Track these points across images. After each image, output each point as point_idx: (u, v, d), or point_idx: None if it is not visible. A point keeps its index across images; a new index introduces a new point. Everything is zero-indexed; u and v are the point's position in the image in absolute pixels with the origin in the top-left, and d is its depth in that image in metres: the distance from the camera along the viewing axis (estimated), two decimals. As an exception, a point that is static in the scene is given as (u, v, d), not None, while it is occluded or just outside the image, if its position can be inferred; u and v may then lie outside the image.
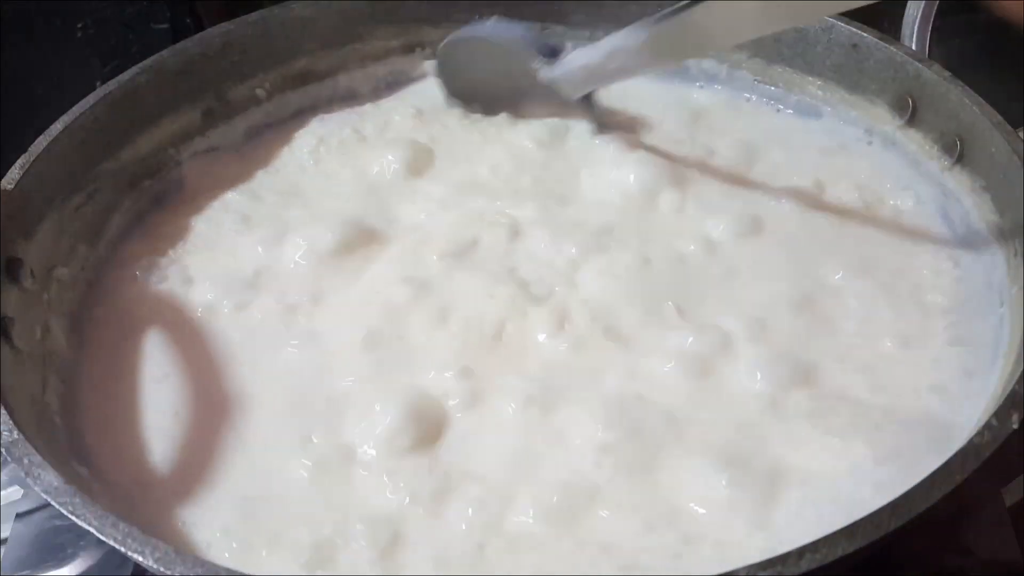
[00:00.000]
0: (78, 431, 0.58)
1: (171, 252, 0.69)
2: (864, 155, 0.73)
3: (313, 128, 0.79)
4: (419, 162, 0.75)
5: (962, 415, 0.55)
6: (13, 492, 0.69)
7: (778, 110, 0.78)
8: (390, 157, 0.74)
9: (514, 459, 0.54)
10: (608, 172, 0.72)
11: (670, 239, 0.66)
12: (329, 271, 0.67)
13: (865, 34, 0.72)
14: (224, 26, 0.77)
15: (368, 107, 0.81)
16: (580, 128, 0.76)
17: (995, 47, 0.88)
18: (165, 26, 0.89)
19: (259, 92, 0.79)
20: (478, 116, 0.78)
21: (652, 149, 0.74)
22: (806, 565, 0.41)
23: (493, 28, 0.76)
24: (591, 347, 0.59)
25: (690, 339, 0.59)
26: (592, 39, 0.82)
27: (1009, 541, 0.62)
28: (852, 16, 0.73)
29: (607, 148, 0.74)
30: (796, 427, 0.54)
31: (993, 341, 0.58)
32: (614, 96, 0.78)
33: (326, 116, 0.81)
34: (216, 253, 0.69)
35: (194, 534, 0.52)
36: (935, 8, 0.81)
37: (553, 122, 0.76)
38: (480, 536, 0.51)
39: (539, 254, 0.65)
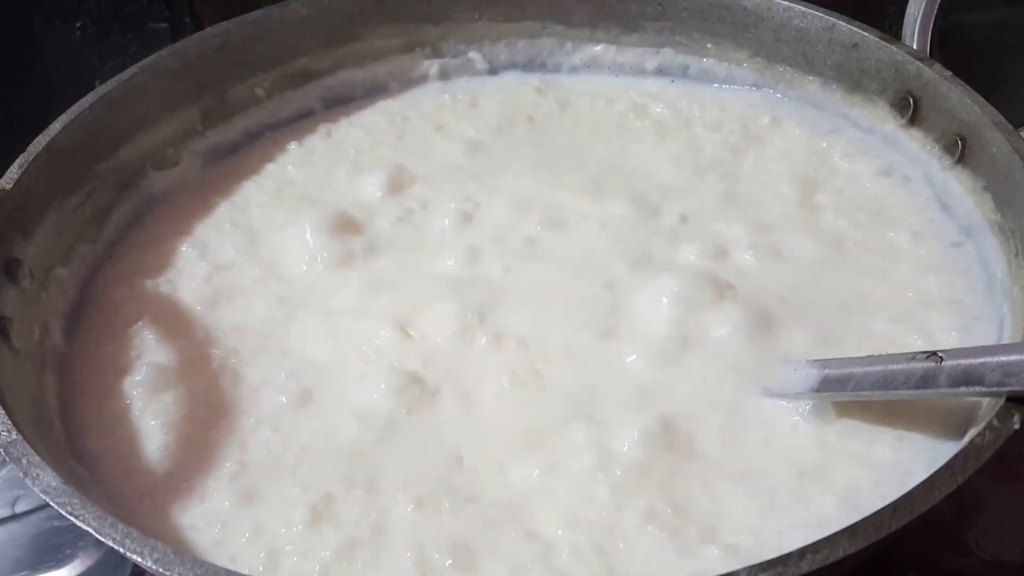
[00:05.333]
0: (76, 431, 0.58)
1: (169, 252, 0.69)
2: (864, 155, 0.73)
3: (312, 131, 0.80)
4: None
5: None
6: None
7: (778, 108, 0.78)
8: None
9: None
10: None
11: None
12: (329, 273, 0.67)
13: (866, 33, 0.72)
14: (223, 25, 0.77)
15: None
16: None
17: (996, 46, 0.88)
18: (164, 25, 0.89)
19: (258, 91, 0.79)
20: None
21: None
22: (807, 566, 0.41)
23: None
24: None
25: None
26: (592, 39, 0.82)
27: (1010, 541, 0.62)
28: (853, 15, 0.73)
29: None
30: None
31: (995, 341, 0.58)
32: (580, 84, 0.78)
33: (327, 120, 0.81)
34: (214, 253, 0.69)
35: (192, 534, 0.52)
36: (936, 7, 0.80)
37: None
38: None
39: None
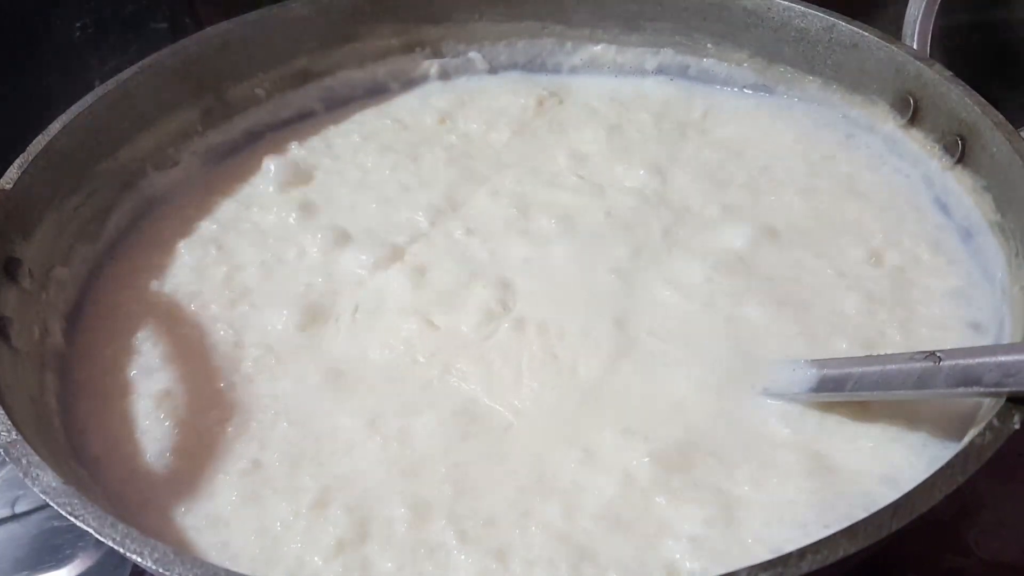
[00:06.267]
0: (77, 432, 0.58)
1: (169, 252, 0.69)
2: (864, 155, 0.73)
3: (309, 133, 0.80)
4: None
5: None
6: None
7: (778, 109, 0.78)
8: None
9: None
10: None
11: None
12: (329, 273, 0.67)
13: (866, 33, 0.72)
14: (223, 25, 0.77)
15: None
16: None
17: (996, 46, 0.88)
18: (164, 25, 0.89)
19: (258, 92, 0.79)
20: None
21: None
22: (807, 566, 0.41)
23: None
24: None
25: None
26: (592, 39, 0.83)
27: (1010, 541, 0.63)
28: (853, 15, 0.73)
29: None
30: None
31: (995, 341, 0.58)
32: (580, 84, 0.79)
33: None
34: (214, 253, 0.69)
35: (193, 534, 0.52)
36: (936, 7, 0.80)
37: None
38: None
39: None
